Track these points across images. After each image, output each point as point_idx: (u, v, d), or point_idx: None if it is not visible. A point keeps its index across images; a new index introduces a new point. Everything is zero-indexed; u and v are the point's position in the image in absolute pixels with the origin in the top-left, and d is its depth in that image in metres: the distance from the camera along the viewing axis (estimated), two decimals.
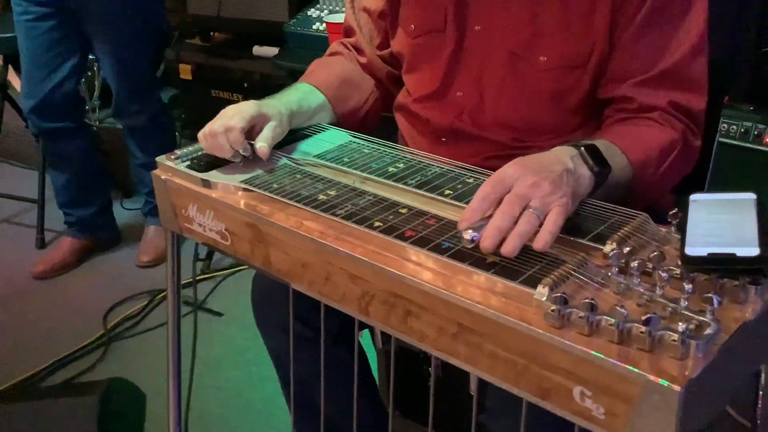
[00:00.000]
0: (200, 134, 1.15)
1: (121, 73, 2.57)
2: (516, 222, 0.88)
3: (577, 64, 1.18)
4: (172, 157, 1.17)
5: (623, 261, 0.83)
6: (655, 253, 0.84)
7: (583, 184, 0.97)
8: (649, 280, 0.81)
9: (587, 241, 0.91)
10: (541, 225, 0.88)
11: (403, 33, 1.34)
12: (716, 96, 1.41)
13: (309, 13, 2.57)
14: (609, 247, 0.87)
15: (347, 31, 1.46)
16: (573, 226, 0.94)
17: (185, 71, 3.14)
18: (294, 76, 2.72)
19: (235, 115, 1.13)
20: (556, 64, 1.18)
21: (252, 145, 1.14)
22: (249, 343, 2.25)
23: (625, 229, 0.91)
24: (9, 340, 2.38)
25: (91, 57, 2.75)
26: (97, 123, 3.61)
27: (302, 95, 1.28)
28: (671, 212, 0.91)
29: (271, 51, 2.86)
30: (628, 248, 0.85)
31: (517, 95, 1.23)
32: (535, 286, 0.81)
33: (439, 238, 0.92)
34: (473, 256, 0.88)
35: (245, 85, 2.97)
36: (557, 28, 1.17)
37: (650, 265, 0.82)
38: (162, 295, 2.51)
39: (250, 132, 1.15)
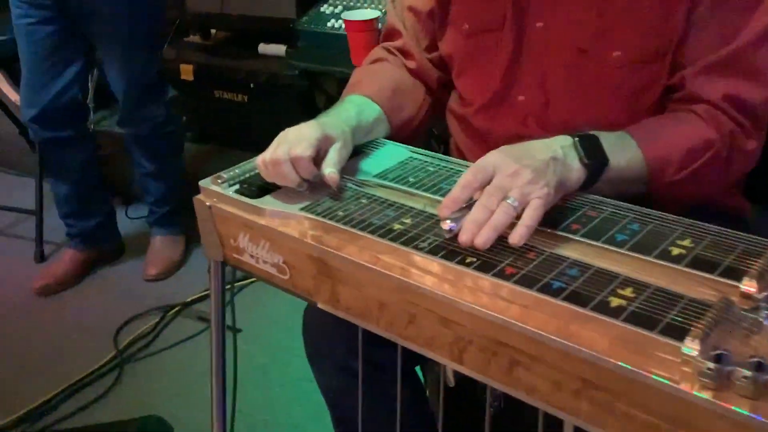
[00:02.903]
0: (259, 162, 1.02)
1: (129, 79, 2.43)
2: None
3: (655, 58, 1.08)
4: (219, 180, 1.04)
5: None
6: None
7: (572, 176, 0.94)
8: None
9: (717, 276, 0.79)
10: (519, 217, 0.86)
11: (455, 32, 1.23)
12: None
13: (322, 9, 2.43)
14: (750, 285, 0.75)
15: (391, 34, 1.34)
16: (695, 258, 0.82)
17: (186, 71, 2.98)
18: (308, 76, 2.60)
19: (300, 141, 1.00)
20: (632, 59, 1.08)
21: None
22: (270, 362, 2.12)
23: (761, 260, 0.79)
24: (11, 363, 2.23)
25: None
26: (92, 126, 3.46)
27: (359, 109, 1.16)
28: None
29: (278, 49, 2.72)
30: None
31: (587, 95, 1.12)
32: (678, 337, 0.69)
33: (545, 276, 0.80)
34: (592, 299, 0.76)
35: (251, 85, 2.82)
36: (628, 20, 1.06)
37: None
38: (174, 311, 2.39)
39: (315, 157, 1.02)
